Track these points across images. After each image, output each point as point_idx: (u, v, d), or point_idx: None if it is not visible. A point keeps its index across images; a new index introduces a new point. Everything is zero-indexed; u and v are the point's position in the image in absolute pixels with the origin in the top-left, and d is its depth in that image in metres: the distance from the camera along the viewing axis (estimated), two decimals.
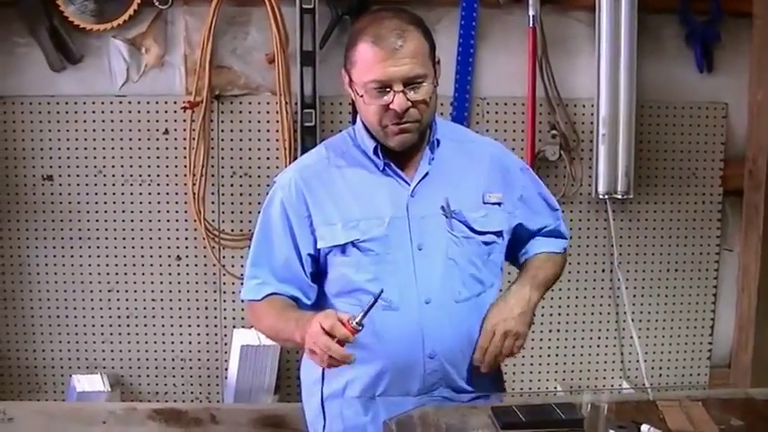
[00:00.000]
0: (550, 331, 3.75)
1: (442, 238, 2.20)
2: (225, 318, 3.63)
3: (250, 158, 3.56)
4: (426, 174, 2.22)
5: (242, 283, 3.49)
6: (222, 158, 3.55)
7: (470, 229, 2.22)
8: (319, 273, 2.27)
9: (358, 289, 2.19)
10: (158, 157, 3.54)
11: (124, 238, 3.57)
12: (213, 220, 3.55)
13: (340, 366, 1.99)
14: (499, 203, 2.27)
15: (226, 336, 3.63)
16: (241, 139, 3.56)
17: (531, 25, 3.48)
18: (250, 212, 3.56)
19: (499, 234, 2.28)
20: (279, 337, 2.28)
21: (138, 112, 3.52)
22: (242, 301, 2.35)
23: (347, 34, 2.27)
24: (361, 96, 2.13)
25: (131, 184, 3.55)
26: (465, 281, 2.21)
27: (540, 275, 2.35)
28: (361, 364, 2.12)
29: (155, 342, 3.64)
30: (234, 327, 3.61)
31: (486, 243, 2.25)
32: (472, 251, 2.23)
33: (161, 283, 3.60)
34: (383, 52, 2.06)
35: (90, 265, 3.58)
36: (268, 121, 3.55)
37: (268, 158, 3.56)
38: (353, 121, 3.44)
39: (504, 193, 2.29)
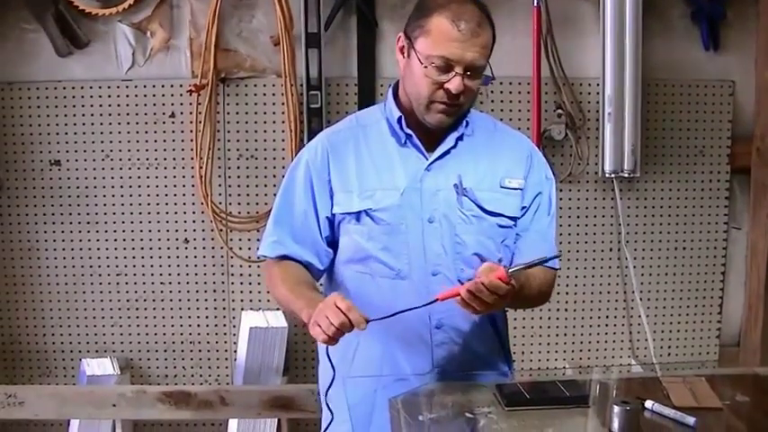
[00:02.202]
0: (558, 310, 3.74)
1: (452, 215, 2.22)
2: (233, 300, 3.65)
3: (256, 141, 3.57)
4: (447, 151, 2.24)
5: (250, 266, 3.57)
6: (228, 141, 3.56)
7: (481, 208, 2.23)
8: (334, 240, 2.30)
9: (369, 257, 2.23)
10: (165, 141, 3.56)
11: (132, 222, 3.59)
12: (220, 203, 3.56)
13: (335, 343, 2.00)
14: (520, 189, 2.28)
15: (234, 318, 3.65)
16: (247, 122, 3.57)
17: (535, 4, 3.47)
18: (257, 195, 3.57)
19: (515, 219, 2.29)
20: (288, 309, 2.29)
21: (145, 95, 3.54)
22: (257, 258, 2.36)
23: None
24: (423, 65, 2.12)
25: (138, 168, 3.57)
26: (469, 260, 2.21)
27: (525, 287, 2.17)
28: (370, 334, 2.12)
29: (164, 325, 3.66)
30: (242, 309, 3.63)
31: (501, 226, 2.26)
32: (482, 231, 2.24)
33: (169, 266, 3.63)
34: (461, 34, 2.08)
35: (98, 248, 3.61)
36: (274, 104, 3.55)
37: (274, 141, 3.57)
38: (359, 104, 3.48)
39: (525, 182, 2.29)
